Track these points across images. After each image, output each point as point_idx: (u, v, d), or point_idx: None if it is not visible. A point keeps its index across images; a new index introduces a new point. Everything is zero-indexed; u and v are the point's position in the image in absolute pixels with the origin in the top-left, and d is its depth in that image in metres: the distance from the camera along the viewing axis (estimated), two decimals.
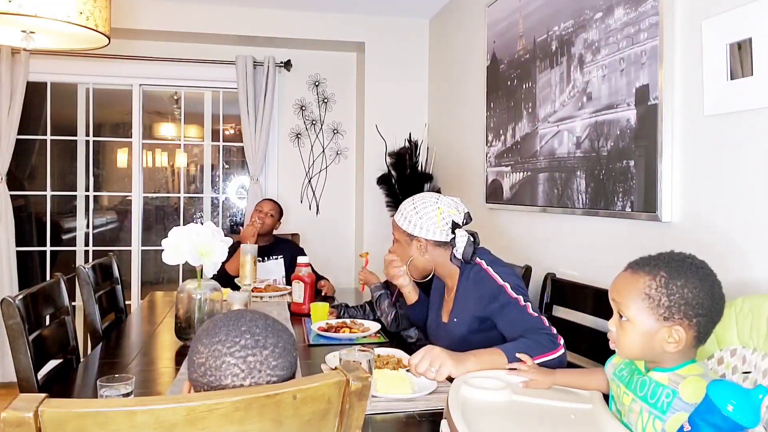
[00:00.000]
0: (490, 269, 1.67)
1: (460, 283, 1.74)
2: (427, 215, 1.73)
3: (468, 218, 1.77)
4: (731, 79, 1.53)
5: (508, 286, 1.61)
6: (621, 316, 1.11)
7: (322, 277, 3.02)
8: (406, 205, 1.79)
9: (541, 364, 1.42)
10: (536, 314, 1.56)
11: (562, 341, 1.49)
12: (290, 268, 2.70)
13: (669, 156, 1.76)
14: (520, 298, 1.58)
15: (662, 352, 1.07)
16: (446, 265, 1.77)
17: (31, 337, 1.73)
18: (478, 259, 1.71)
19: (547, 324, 1.53)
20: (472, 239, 1.72)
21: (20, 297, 1.72)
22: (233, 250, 2.67)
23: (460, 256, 1.70)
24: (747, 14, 1.48)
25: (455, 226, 1.73)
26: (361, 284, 2.40)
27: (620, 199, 1.96)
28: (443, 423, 1.18)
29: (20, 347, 1.67)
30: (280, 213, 3.32)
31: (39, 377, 1.79)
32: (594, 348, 1.85)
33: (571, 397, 1.29)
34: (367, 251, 2.51)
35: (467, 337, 1.66)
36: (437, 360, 1.41)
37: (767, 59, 1.43)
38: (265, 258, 3.19)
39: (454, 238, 1.72)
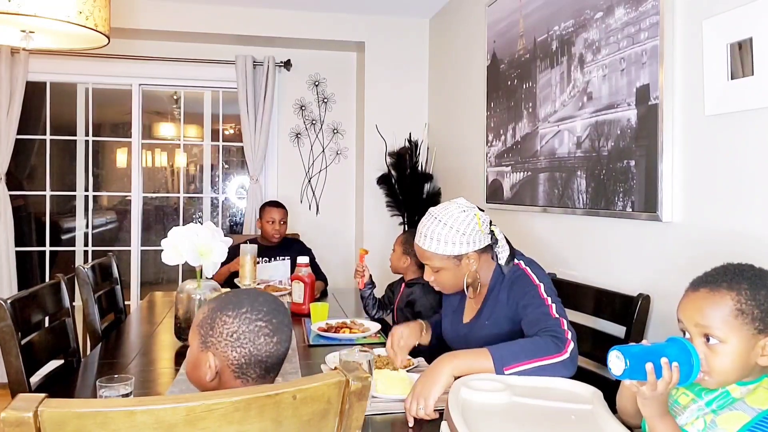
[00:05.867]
0: (528, 269, 1.63)
1: (493, 283, 1.68)
2: (469, 227, 1.61)
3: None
4: (732, 79, 1.53)
5: (542, 286, 1.58)
6: (707, 340, 1.03)
7: (321, 274, 3.04)
8: (437, 228, 1.61)
9: (539, 367, 1.40)
10: (557, 316, 1.51)
11: (570, 347, 1.43)
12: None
13: (669, 156, 1.75)
14: (549, 299, 1.55)
15: (753, 367, 1.02)
16: (490, 268, 1.69)
17: (24, 341, 1.72)
18: (515, 260, 1.66)
19: (565, 327, 1.48)
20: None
21: (11, 300, 1.71)
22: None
23: (504, 258, 1.63)
24: (747, 14, 1.48)
25: (489, 224, 1.66)
26: (360, 280, 2.44)
27: (621, 199, 1.95)
28: (443, 424, 1.18)
29: (11, 350, 1.65)
30: (287, 213, 3.33)
31: (37, 380, 1.79)
32: (594, 348, 1.85)
33: (571, 398, 1.29)
34: (366, 249, 2.51)
35: (496, 337, 1.61)
36: (420, 397, 1.35)
37: (767, 59, 1.43)
38: (272, 258, 3.20)
39: (492, 234, 1.65)
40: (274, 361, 1.07)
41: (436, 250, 1.61)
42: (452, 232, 1.60)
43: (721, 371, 1.02)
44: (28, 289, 1.88)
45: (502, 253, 1.65)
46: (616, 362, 1.02)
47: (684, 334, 1.08)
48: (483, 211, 1.69)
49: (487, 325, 1.66)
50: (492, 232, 1.66)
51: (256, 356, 1.04)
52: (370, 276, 2.46)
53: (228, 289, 2.38)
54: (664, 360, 0.99)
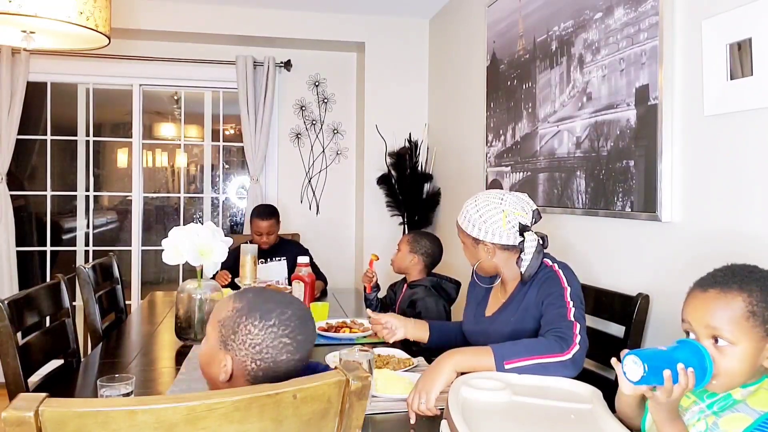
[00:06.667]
0: (560, 272, 1.62)
1: (523, 282, 1.67)
2: (491, 219, 1.64)
3: (537, 216, 1.69)
4: (731, 79, 1.53)
5: (568, 290, 1.57)
6: (716, 341, 1.02)
7: (320, 274, 3.05)
8: (469, 207, 1.70)
9: (538, 365, 1.40)
10: (573, 320, 1.50)
11: (574, 350, 1.43)
12: (293, 269, 2.70)
13: (669, 156, 1.76)
14: (571, 302, 1.54)
15: (758, 368, 1.02)
16: (513, 268, 1.69)
17: (23, 341, 1.72)
18: (549, 262, 1.65)
19: (576, 332, 1.48)
20: (541, 243, 1.63)
21: (8, 300, 1.71)
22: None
23: (524, 267, 1.62)
24: (747, 14, 1.48)
25: (523, 228, 1.64)
26: (368, 285, 2.49)
27: (620, 199, 1.96)
28: (443, 423, 1.18)
29: (8, 351, 1.65)
30: (278, 219, 3.29)
31: (36, 380, 1.78)
32: (594, 348, 1.84)
33: (571, 397, 1.29)
34: (377, 255, 2.54)
35: (518, 333, 1.61)
36: (423, 392, 1.36)
37: (767, 59, 1.43)
38: (268, 259, 3.20)
39: (522, 241, 1.63)
40: (288, 376, 1.02)
41: (461, 223, 1.71)
42: (476, 216, 1.67)
43: (728, 373, 1.01)
44: (26, 290, 1.89)
45: (525, 263, 1.62)
46: (634, 368, 1.00)
47: (688, 334, 1.07)
48: (535, 214, 1.67)
49: (512, 322, 1.65)
50: (523, 238, 1.63)
51: (274, 371, 1.02)
52: (377, 281, 2.51)
53: (229, 290, 2.38)
54: (680, 366, 0.98)
